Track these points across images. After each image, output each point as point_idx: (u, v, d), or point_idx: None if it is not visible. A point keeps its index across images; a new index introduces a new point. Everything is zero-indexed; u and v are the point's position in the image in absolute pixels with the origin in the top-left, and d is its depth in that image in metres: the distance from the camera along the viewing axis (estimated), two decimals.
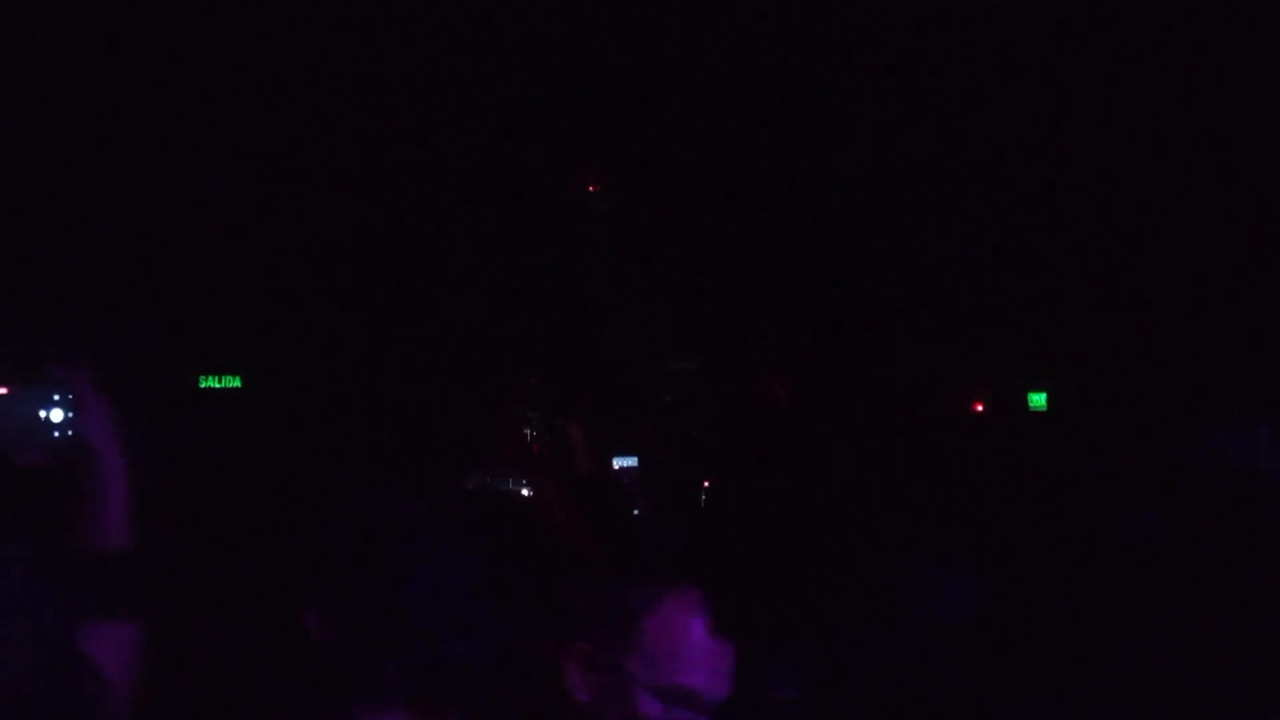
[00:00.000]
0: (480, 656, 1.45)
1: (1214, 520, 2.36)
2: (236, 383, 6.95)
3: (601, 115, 6.64)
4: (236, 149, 5.84)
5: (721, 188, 7.40)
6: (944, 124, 6.54)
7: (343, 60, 5.65)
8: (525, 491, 3.36)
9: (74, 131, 5.02)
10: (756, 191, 7.41)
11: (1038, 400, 7.67)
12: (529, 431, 5.00)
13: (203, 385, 6.85)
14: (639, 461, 3.38)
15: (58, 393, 1.45)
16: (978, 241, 7.38)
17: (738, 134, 6.86)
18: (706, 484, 4.63)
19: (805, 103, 6.58)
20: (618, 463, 3.38)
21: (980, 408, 7.57)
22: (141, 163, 5.58)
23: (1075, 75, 5.77)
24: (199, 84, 5.42)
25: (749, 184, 7.35)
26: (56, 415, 1.44)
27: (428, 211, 6.93)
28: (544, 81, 6.24)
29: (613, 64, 6.24)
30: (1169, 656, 2.17)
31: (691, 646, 1.57)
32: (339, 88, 5.84)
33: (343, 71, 5.73)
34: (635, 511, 3.26)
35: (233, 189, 5.99)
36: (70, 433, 1.45)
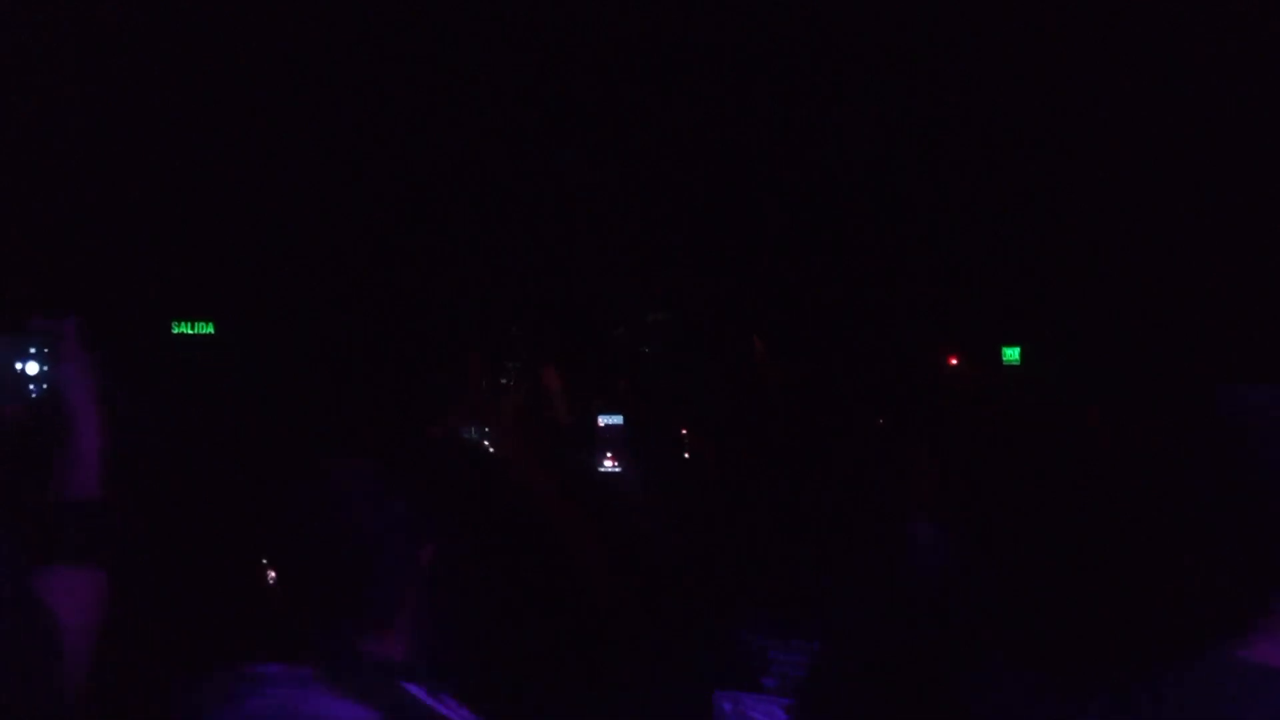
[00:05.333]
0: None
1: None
2: (209, 329, 6.89)
3: (579, 76, 6.56)
4: (218, 101, 5.74)
5: (695, 143, 7.35)
6: (928, 95, 6.52)
7: (327, 28, 5.55)
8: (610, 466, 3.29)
9: (41, 82, 4.89)
10: (732, 148, 7.37)
11: (1011, 355, 7.75)
12: (505, 381, 4.98)
13: (175, 331, 6.79)
14: (624, 419, 3.36)
15: (33, 345, 1.44)
16: (956, 200, 7.39)
17: (715, 93, 6.80)
18: (684, 433, 4.64)
19: (787, 73, 6.53)
20: (603, 420, 3.36)
21: (954, 361, 7.63)
22: (114, 111, 5.47)
23: (1054, 52, 5.75)
24: (177, 40, 5.30)
25: (724, 141, 7.31)
26: (32, 368, 1.43)
27: (402, 168, 6.85)
28: (526, 49, 6.15)
29: (595, 30, 6.15)
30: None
31: None
32: (325, 55, 5.74)
33: (328, 40, 5.63)
34: (618, 467, 3.25)
35: (210, 144, 5.89)
36: (45, 385, 1.44)
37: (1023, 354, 7.84)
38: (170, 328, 6.78)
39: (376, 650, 1.44)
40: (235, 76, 5.68)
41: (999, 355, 7.72)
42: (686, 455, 4.00)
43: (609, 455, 3.30)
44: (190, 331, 6.85)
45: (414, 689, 1.43)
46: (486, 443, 3.19)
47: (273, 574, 1.57)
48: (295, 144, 6.24)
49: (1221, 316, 5.88)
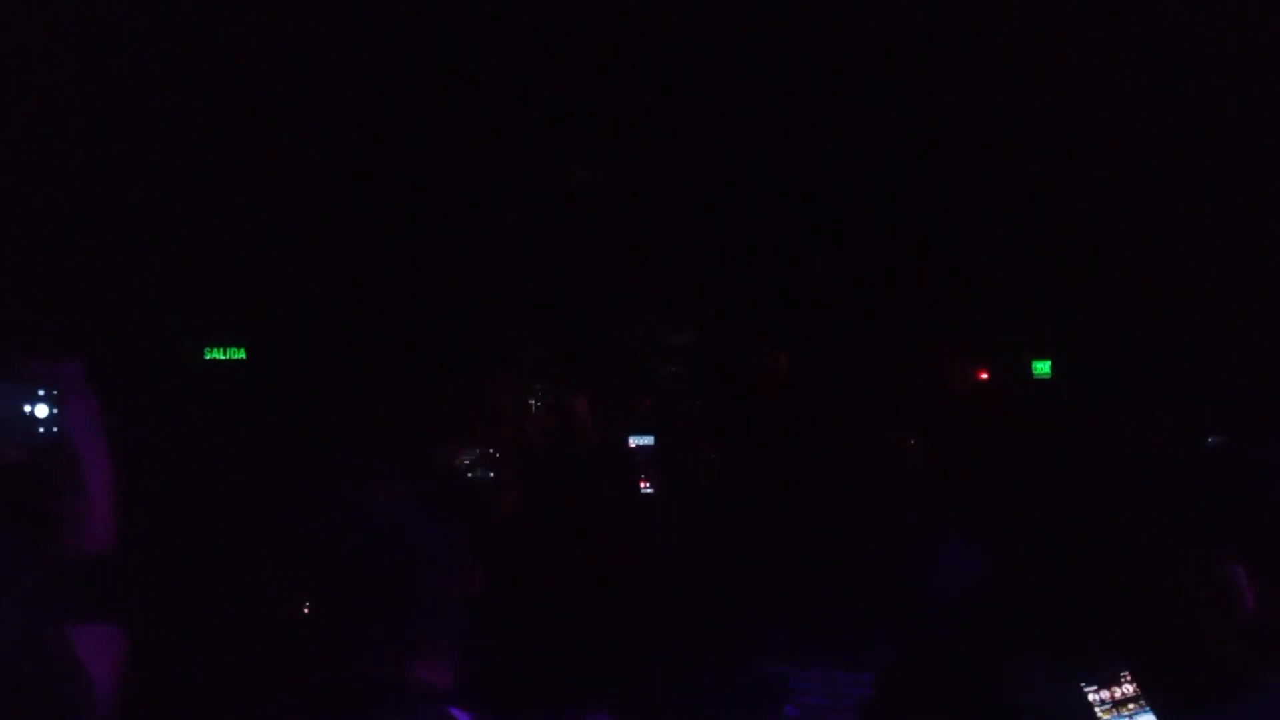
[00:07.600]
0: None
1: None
2: (240, 354, 6.93)
3: (592, 88, 6.58)
4: (234, 120, 5.79)
5: (713, 157, 7.35)
6: (943, 93, 6.49)
7: (341, 39, 5.59)
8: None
9: (64, 110, 4.93)
10: (750, 160, 7.36)
11: (1041, 368, 7.66)
12: (533, 403, 4.98)
13: (199, 365, 6.82)
14: (655, 439, 3.37)
15: (42, 387, 1.41)
16: (980, 208, 7.34)
17: (729, 104, 6.80)
18: (712, 456, 4.63)
19: (799, 75, 6.51)
20: (635, 441, 3.38)
21: (984, 376, 7.56)
22: (126, 135, 5.48)
23: (1083, 51, 5.70)
24: (188, 53, 5.33)
25: (742, 153, 7.30)
26: (41, 411, 1.40)
27: (424, 186, 6.89)
28: (534, 55, 6.17)
29: (602, 34, 6.17)
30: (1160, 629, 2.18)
31: None
32: (340, 69, 5.78)
33: (342, 51, 5.67)
34: (650, 488, 3.26)
35: (221, 166, 5.93)
36: (55, 429, 1.40)
37: (1054, 367, 7.75)
38: (203, 354, 6.82)
39: (424, 677, 1.44)
40: (271, 115, 5.74)
41: (1029, 369, 7.63)
42: (709, 477, 3.99)
43: (640, 476, 3.30)
44: (223, 357, 6.89)
45: (462, 715, 1.43)
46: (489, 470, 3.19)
47: (308, 606, 1.57)
48: (332, 173, 6.30)
49: (1236, 318, 5.80)
